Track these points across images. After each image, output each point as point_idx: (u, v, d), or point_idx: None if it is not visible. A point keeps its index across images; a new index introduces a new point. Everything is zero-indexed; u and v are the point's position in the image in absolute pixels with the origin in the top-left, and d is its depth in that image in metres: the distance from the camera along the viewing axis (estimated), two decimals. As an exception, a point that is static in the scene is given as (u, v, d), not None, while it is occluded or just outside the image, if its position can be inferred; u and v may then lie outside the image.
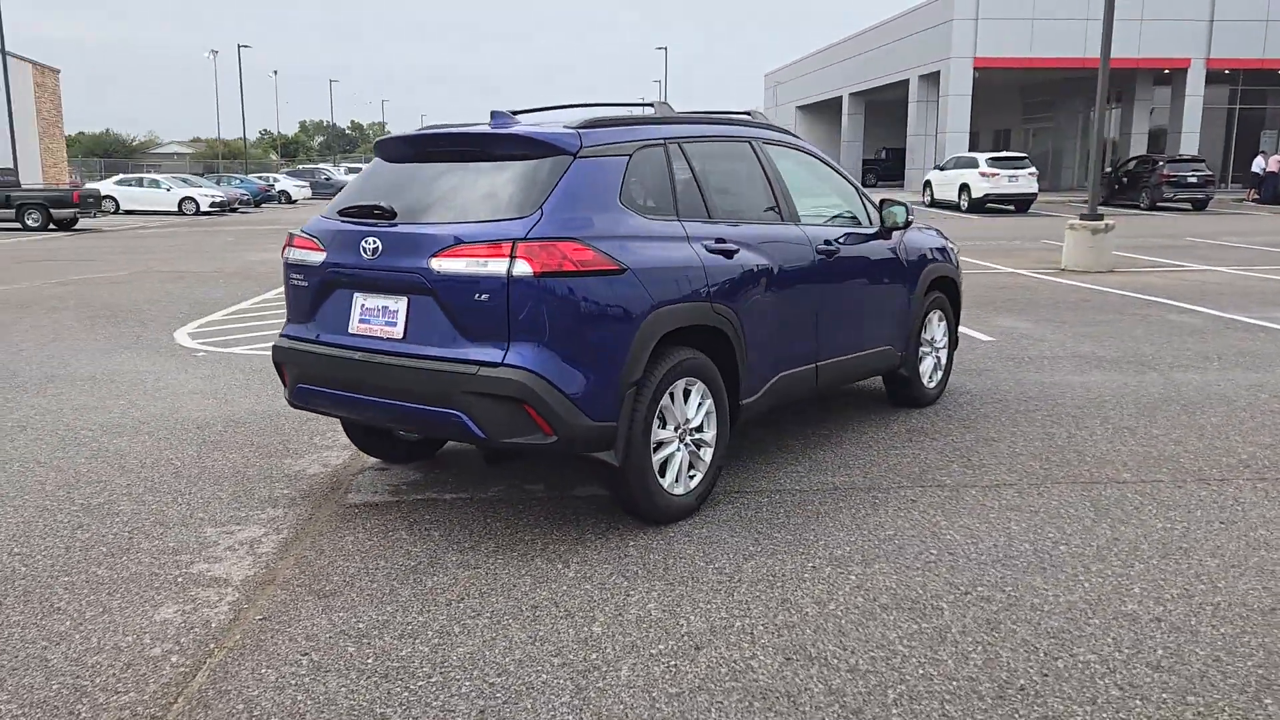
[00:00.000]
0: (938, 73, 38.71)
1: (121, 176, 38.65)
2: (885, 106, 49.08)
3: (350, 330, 4.28)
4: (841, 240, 5.40)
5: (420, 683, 3.06)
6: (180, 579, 3.84)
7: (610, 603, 3.59)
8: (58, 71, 52.35)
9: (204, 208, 34.89)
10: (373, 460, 5.33)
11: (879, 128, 50.63)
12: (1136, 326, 9.54)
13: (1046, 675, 3.06)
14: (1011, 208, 30.35)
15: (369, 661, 3.19)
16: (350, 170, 61.78)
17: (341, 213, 4.43)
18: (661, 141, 4.56)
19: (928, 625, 3.40)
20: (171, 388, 7.11)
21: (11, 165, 33.91)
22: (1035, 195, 30.01)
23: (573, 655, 3.22)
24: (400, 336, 4.12)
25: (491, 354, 3.89)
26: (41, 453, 5.53)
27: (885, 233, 5.86)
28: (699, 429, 4.48)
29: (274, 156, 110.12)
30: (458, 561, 3.98)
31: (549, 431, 3.89)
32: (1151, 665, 3.12)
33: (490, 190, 4.15)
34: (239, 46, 62.76)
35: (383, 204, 4.25)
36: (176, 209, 35.09)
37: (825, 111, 55.00)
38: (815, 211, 5.54)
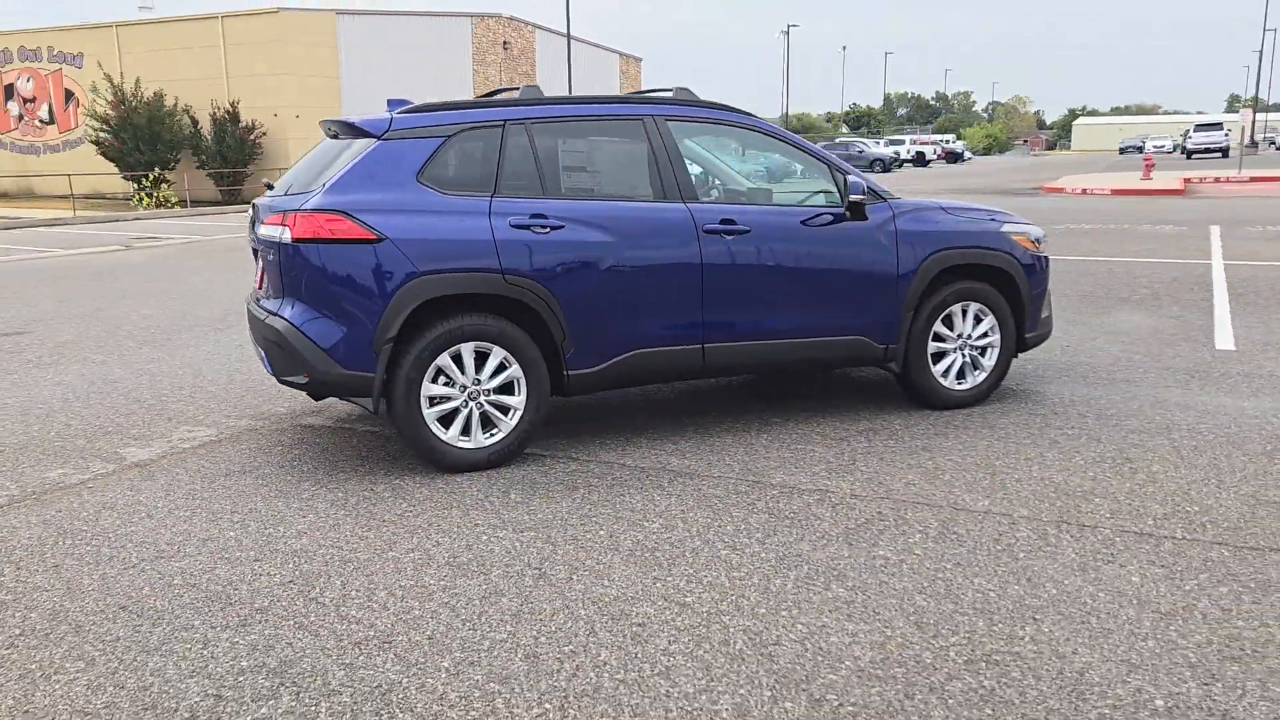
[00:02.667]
0: None
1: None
2: None
3: (255, 284, 5.36)
4: (755, 219, 5.19)
5: (87, 544, 4.05)
6: (102, 454, 5.26)
7: (287, 523, 4.25)
8: (639, 60, 60.04)
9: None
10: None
11: None
12: None
13: (429, 638, 3.18)
14: None
15: (87, 525, 4.26)
16: (890, 143, 62.38)
17: (266, 186, 5.51)
18: (500, 123, 4.91)
19: (457, 583, 3.59)
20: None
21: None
22: None
23: (193, 550, 3.98)
24: (261, 289, 5.10)
25: (275, 305, 4.73)
26: (184, 367, 7.43)
27: (857, 213, 5.40)
28: (501, 391, 4.83)
29: (844, 130, 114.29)
30: (276, 475, 4.89)
31: (305, 375, 4.62)
32: (525, 656, 3.07)
33: (320, 168, 4.92)
34: (788, 26, 66.64)
35: (267, 181, 5.24)
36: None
37: None
38: (743, 189, 5.36)
